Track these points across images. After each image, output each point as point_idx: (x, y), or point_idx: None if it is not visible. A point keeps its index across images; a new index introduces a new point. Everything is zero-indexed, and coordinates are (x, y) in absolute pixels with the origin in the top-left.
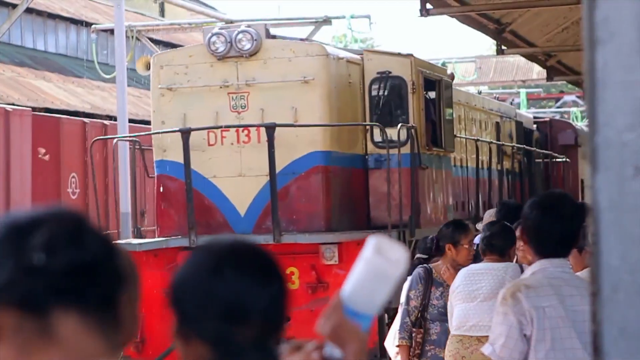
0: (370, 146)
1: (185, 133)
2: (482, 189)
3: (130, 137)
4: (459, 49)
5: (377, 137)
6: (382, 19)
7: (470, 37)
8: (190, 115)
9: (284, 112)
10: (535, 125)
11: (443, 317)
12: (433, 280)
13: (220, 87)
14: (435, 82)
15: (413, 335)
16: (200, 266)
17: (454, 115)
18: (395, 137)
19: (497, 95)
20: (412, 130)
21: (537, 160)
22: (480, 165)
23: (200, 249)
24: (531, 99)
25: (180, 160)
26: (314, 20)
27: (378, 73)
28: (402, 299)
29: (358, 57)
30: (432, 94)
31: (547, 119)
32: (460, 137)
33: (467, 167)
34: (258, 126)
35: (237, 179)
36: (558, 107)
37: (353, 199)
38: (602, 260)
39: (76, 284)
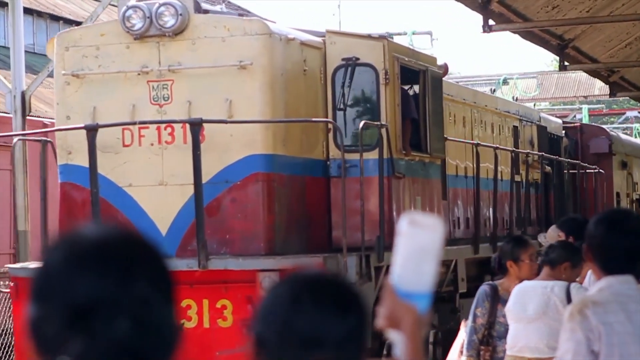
0: (333, 149)
1: (91, 130)
2: (493, 203)
3: (21, 134)
4: (519, 64)
5: (344, 139)
6: (443, 35)
7: (530, 51)
8: (101, 109)
9: (216, 105)
10: (564, 132)
11: None
12: (499, 297)
13: (139, 74)
14: (419, 72)
15: (481, 353)
16: (281, 296)
17: (454, 116)
18: (367, 138)
19: (517, 97)
20: (384, 130)
21: (566, 171)
22: (491, 176)
23: (284, 279)
24: (593, 115)
25: (88, 164)
26: (376, 36)
27: (343, 59)
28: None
29: (318, 39)
30: (416, 88)
31: (578, 124)
32: (460, 142)
33: (473, 177)
34: (182, 122)
35: (158, 188)
36: (620, 123)
37: (308, 214)
38: None
39: None
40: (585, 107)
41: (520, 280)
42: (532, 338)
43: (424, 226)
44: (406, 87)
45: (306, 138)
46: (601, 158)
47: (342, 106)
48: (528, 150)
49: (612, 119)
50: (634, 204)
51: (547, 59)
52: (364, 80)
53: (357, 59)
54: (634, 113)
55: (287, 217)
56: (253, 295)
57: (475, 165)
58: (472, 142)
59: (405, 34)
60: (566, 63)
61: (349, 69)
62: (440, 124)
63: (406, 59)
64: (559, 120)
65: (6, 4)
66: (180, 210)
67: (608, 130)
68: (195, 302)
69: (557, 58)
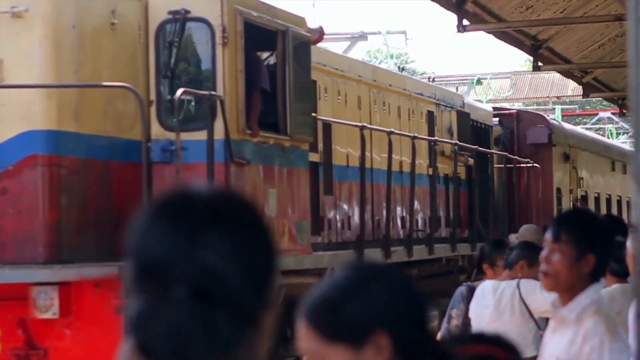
0: (157, 128)
1: None
2: (386, 199)
3: None
4: (493, 64)
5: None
6: (417, 35)
7: (504, 52)
8: None
9: None
10: (497, 119)
11: None
12: None
13: None
14: (276, 33)
15: None
16: (405, 290)
17: (344, 95)
18: (198, 114)
19: (433, 77)
20: (218, 103)
21: (498, 164)
22: (395, 168)
23: (344, 266)
24: (566, 116)
25: None
26: (350, 35)
27: (170, 12)
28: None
29: None
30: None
31: (514, 111)
32: (342, 124)
33: (371, 168)
34: None
35: None
36: (593, 124)
37: (116, 210)
38: None
39: None
40: (558, 107)
41: None
42: None
43: None
44: (266, 55)
45: (114, 112)
46: (540, 149)
47: (168, 72)
48: (436, 138)
49: (585, 120)
50: (578, 202)
51: (520, 59)
52: (196, 39)
53: (188, 12)
54: (607, 114)
55: (80, 213)
56: (27, 317)
57: (361, 153)
58: (357, 124)
59: (379, 33)
60: (540, 63)
61: (177, 24)
62: (306, 99)
63: (254, 14)
64: (489, 107)
65: None
66: None
67: (548, 118)
68: None
69: (531, 58)
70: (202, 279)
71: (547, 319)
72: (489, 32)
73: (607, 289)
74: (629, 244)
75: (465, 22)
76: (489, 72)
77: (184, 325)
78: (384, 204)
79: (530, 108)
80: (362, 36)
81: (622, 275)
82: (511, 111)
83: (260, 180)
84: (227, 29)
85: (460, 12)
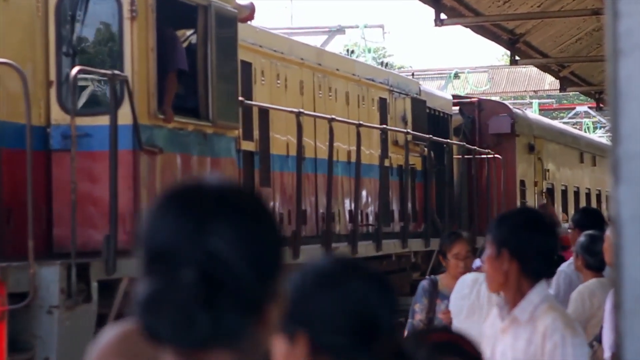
0: (57, 112)
1: None
2: (327, 191)
3: None
4: (471, 58)
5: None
6: (395, 29)
7: (482, 46)
8: None
9: None
10: (458, 108)
11: None
12: (438, 292)
13: None
14: (196, 8)
15: None
16: (324, 276)
17: (284, 79)
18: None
19: (386, 62)
20: (124, 84)
21: (458, 156)
22: (343, 158)
23: (310, 265)
24: (543, 110)
25: None
26: (327, 29)
27: None
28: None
29: None
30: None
31: (475, 100)
32: (275, 109)
33: (314, 158)
34: None
35: None
36: (570, 118)
37: (6, 204)
38: (624, 272)
39: None
40: (535, 101)
41: (455, 277)
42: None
43: None
44: (188, 33)
45: (6, 93)
46: (502, 139)
47: (70, 50)
48: (385, 126)
49: (562, 114)
50: (543, 195)
51: (498, 54)
52: (101, 13)
53: None
54: (584, 108)
55: None
56: None
57: (297, 142)
58: (292, 110)
59: (357, 27)
60: (517, 57)
61: None
62: (232, 81)
63: None
64: (448, 96)
65: None
66: None
67: (511, 107)
68: None
69: (508, 52)
70: (209, 263)
71: None
72: (466, 26)
73: (586, 284)
74: (608, 234)
75: (443, 16)
76: (467, 66)
77: (189, 308)
78: (326, 196)
79: (507, 102)
80: (340, 30)
81: (598, 269)
82: (472, 99)
83: (176, 170)
84: (136, 1)
85: (438, 6)
